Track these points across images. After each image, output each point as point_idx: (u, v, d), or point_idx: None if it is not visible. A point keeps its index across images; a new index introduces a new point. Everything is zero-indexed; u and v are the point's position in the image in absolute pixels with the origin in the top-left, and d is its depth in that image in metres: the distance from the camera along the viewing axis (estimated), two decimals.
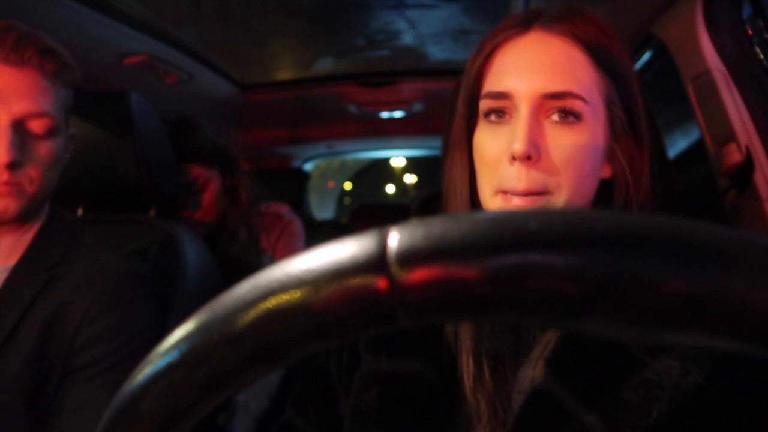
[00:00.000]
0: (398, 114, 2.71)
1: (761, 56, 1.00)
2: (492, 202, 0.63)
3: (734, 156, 0.98)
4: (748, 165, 0.96)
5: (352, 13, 1.76)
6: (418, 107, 2.62)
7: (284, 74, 2.39)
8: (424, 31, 1.90)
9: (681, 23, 1.07)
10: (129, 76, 1.77)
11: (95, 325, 0.91)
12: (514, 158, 0.59)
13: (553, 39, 0.61)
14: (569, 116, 0.60)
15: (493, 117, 0.63)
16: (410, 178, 10.95)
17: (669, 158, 1.44)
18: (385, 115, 2.70)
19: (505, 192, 0.61)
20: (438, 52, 2.13)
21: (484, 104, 0.64)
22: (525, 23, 0.63)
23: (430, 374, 0.65)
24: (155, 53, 1.72)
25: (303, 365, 0.81)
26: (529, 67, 0.61)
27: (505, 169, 0.61)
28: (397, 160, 9.59)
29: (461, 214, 0.21)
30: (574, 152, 0.60)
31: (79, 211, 1.29)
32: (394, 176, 10.94)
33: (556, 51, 0.61)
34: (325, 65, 2.28)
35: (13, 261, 0.92)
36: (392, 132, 2.99)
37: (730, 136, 1.00)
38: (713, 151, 1.06)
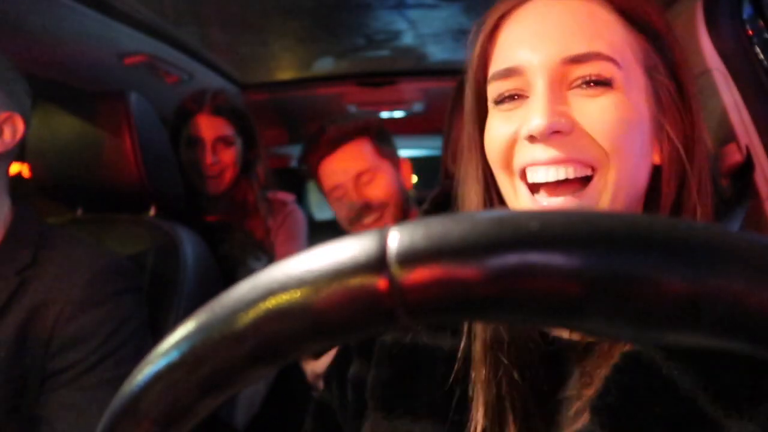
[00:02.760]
0: (398, 114, 2.70)
1: (761, 56, 1.00)
2: (518, 200, 0.52)
3: (734, 156, 0.98)
4: (748, 165, 0.96)
5: (352, 13, 1.76)
6: (418, 107, 2.62)
7: (284, 74, 2.39)
8: (424, 31, 1.90)
9: (681, 23, 1.07)
10: (129, 76, 1.77)
11: (70, 326, 0.88)
12: (533, 137, 0.47)
13: None
14: (599, 85, 0.48)
15: (505, 104, 0.51)
16: None
17: None
18: (385, 115, 2.70)
19: (534, 188, 0.50)
20: (438, 52, 2.13)
21: (492, 89, 0.52)
22: None
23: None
24: (155, 53, 1.72)
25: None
26: (541, 33, 0.49)
27: (523, 147, 0.49)
28: None
29: (461, 214, 0.21)
30: (612, 124, 0.47)
31: (79, 211, 1.29)
32: None
33: (572, 10, 0.49)
34: (325, 65, 2.27)
35: None
36: (392, 132, 2.99)
37: (730, 136, 0.99)
38: (713, 151, 1.06)
